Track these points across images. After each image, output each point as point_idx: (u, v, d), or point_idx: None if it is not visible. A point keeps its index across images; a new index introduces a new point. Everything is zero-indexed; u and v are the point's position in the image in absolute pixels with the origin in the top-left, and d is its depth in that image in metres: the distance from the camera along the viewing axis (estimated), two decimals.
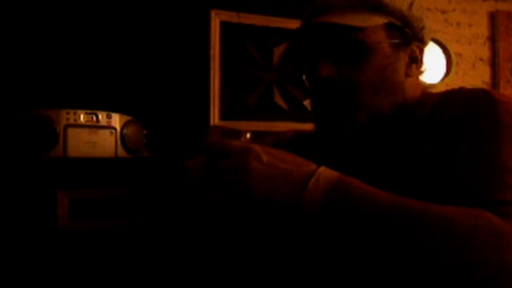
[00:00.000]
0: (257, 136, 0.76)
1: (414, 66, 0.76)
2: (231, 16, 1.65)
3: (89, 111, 1.17)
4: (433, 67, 2.16)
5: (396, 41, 0.72)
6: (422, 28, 0.76)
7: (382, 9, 0.71)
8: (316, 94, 0.75)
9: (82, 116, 1.15)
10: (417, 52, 0.76)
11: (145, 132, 1.30)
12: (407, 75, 0.75)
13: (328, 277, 0.73)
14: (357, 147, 0.75)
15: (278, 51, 1.71)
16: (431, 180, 0.63)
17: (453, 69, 2.16)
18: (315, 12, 0.74)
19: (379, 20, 0.71)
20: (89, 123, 1.16)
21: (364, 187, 0.59)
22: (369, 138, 0.73)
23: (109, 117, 1.19)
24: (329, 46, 0.71)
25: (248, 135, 0.67)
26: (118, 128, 1.20)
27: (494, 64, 2.24)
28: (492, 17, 2.25)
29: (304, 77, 0.80)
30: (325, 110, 0.73)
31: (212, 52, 1.62)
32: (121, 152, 1.20)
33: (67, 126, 1.13)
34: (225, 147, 0.60)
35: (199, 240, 1.14)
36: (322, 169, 0.59)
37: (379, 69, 0.71)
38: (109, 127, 1.19)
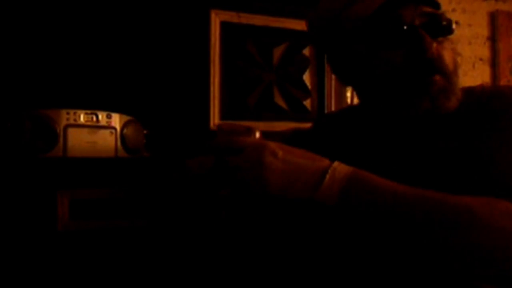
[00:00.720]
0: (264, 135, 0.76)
1: None
2: (231, 16, 1.65)
3: (89, 111, 1.17)
4: None
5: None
6: None
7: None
8: (416, 71, 0.68)
9: (82, 116, 1.15)
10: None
11: (145, 132, 1.30)
12: None
13: (344, 270, 0.73)
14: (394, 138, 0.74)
15: (278, 51, 1.71)
16: (455, 172, 0.64)
17: None
18: None
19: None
20: (89, 123, 1.16)
21: (379, 180, 0.59)
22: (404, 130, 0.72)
23: (109, 117, 1.19)
24: (428, 22, 0.68)
25: (257, 134, 0.68)
26: (118, 128, 1.20)
27: (494, 64, 2.24)
28: (492, 17, 2.25)
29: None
30: (422, 90, 0.68)
31: (212, 52, 1.62)
32: (121, 152, 1.20)
33: (67, 126, 1.13)
34: (238, 143, 0.61)
35: (201, 239, 1.14)
36: (336, 163, 0.60)
37: (452, 51, 0.71)
38: (109, 127, 1.19)
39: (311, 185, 0.58)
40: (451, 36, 0.72)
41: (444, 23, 0.69)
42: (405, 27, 0.67)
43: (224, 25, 1.64)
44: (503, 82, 2.22)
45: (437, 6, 0.71)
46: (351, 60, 0.75)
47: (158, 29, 1.54)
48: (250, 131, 0.67)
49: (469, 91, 0.73)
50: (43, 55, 1.40)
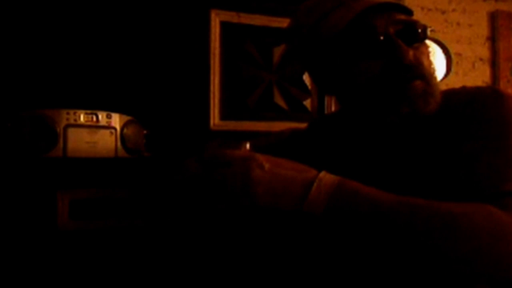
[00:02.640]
0: (256, 138, 0.76)
1: None
2: (231, 16, 1.65)
3: (89, 111, 1.17)
4: None
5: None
6: None
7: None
8: (393, 79, 0.69)
9: (82, 116, 1.15)
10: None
11: (145, 132, 1.30)
12: None
13: (333, 279, 0.74)
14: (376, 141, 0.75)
15: (278, 51, 1.71)
16: (436, 176, 0.64)
17: (453, 69, 2.16)
18: (346, 2, 0.71)
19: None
20: (89, 123, 1.16)
21: (365, 189, 0.60)
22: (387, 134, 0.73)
23: (109, 117, 1.19)
24: (402, 30, 0.69)
25: (247, 146, 0.68)
26: (118, 128, 1.20)
27: (494, 64, 2.24)
28: (492, 17, 2.25)
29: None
30: (401, 96, 0.69)
31: (212, 52, 1.62)
32: (121, 152, 1.20)
33: (67, 126, 1.13)
34: (225, 156, 0.61)
35: (197, 240, 1.14)
36: (322, 173, 0.60)
37: (429, 55, 0.72)
38: (109, 127, 1.19)
39: (298, 196, 0.59)
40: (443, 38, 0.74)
41: (419, 29, 0.70)
42: (380, 37, 0.68)
43: (224, 25, 1.64)
44: (503, 82, 2.22)
45: (410, 13, 0.72)
46: (330, 70, 0.76)
47: (158, 29, 1.54)
48: (238, 144, 0.67)
49: (450, 93, 0.73)
50: (43, 55, 1.40)
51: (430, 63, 0.72)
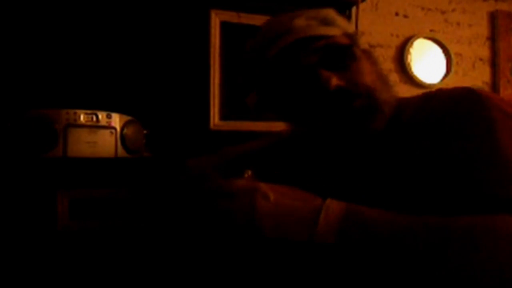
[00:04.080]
0: (256, 139, 0.75)
1: None
2: (231, 16, 1.65)
3: (89, 111, 1.17)
4: (433, 67, 2.16)
5: (360, 47, 0.74)
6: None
7: (333, 24, 0.74)
8: (326, 106, 0.70)
9: (82, 116, 1.15)
10: (374, 56, 0.77)
11: (145, 132, 1.30)
12: None
13: None
14: (353, 151, 0.74)
15: None
16: (434, 184, 0.62)
17: (453, 69, 2.16)
18: (278, 36, 0.72)
19: (339, 31, 0.73)
20: (89, 123, 1.16)
21: (374, 212, 0.58)
22: (366, 142, 0.72)
23: (109, 117, 1.19)
24: (323, 56, 0.70)
25: (249, 172, 0.66)
26: (118, 128, 1.20)
27: (494, 64, 2.24)
28: (492, 17, 2.25)
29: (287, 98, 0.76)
30: (343, 118, 0.69)
31: (212, 52, 1.62)
32: (121, 152, 1.20)
33: (67, 126, 1.13)
34: (228, 187, 0.60)
35: (198, 240, 1.13)
36: (328, 201, 0.59)
37: (370, 70, 0.71)
38: (109, 127, 1.19)
39: (306, 227, 0.57)
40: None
41: (342, 52, 0.70)
42: (303, 70, 0.69)
43: (224, 25, 1.64)
44: (503, 82, 2.23)
45: (330, 37, 0.71)
46: (274, 97, 0.77)
47: (158, 29, 1.53)
48: (241, 172, 0.66)
49: (426, 97, 0.71)
50: (43, 55, 1.40)
51: (373, 75, 0.71)
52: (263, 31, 0.78)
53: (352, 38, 0.76)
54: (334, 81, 0.67)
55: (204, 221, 0.61)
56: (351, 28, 0.78)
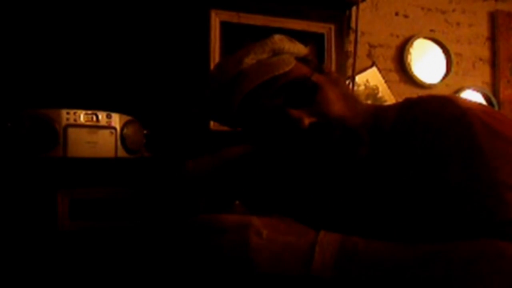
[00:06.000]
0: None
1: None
2: (231, 16, 1.65)
3: (89, 111, 1.17)
4: (433, 67, 2.16)
5: (317, 70, 0.72)
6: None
7: (283, 51, 0.73)
8: (303, 144, 0.69)
9: (82, 116, 1.15)
10: (335, 75, 0.76)
11: (145, 132, 1.30)
12: None
13: None
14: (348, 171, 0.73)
15: None
16: (422, 203, 0.62)
17: (453, 69, 2.16)
18: (231, 84, 0.71)
19: (292, 60, 0.72)
20: (89, 123, 1.16)
21: (369, 243, 0.58)
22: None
23: (109, 117, 1.19)
24: (287, 96, 0.68)
25: (237, 203, 0.66)
26: (118, 128, 1.20)
27: (494, 64, 2.24)
28: (492, 17, 2.25)
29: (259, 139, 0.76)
30: (324, 151, 0.68)
31: (212, 52, 1.62)
32: (121, 152, 1.20)
33: (67, 126, 1.13)
34: (219, 222, 0.59)
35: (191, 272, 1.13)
36: (322, 234, 0.58)
37: (336, 95, 0.70)
38: (109, 127, 1.19)
39: (301, 263, 0.57)
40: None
41: (303, 88, 0.68)
42: (269, 114, 0.68)
43: (224, 25, 1.64)
44: (503, 82, 2.22)
45: (287, 74, 0.69)
46: (248, 138, 0.77)
47: (158, 29, 1.53)
48: (231, 205, 0.64)
49: (408, 105, 0.70)
50: (43, 55, 1.40)
51: (339, 101, 0.69)
52: (216, 80, 0.75)
53: (307, 61, 0.74)
54: (306, 119, 0.66)
55: (196, 256, 0.60)
56: (302, 50, 0.76)
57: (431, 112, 0.65)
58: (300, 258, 0.57)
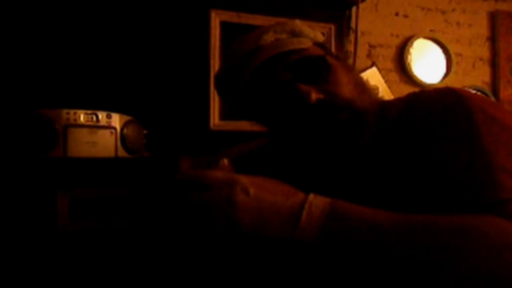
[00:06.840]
0: (232, 148, 0.74)
1: None
2: (231, 16, 1.65)
3: (89, 111, 1.17)
4: (433, 67, 2.16)
5: (332, 55, 0.74)
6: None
7: (302, 35, 0.74)
8: (310, 119, 0.68)
9: (82, 116, 1.15)
10: (349, 63, 0.77)
11: (145, 132, 1.30)
12: None
13: None
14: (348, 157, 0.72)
15: None
16: (421, 187, 0.62)
17: (453, 69, 2.16)
18: (248, 56, 0.72)
19: (309, 41, 0.72)
20: (89, 123, 1.16)
21: (360, 209, 0.56)
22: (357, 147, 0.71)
23: (109, 117, 1.19)
24: (298, 71, 0.69)
25: (226, 161, 0.61)
26: (118, 128, 1.20)
27: (494, 64, 2.24)
28: (492, 17, 2.25)
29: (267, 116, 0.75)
30: (329, 131, 0.68)
31: (212, 52, 1.62)
32: (121, 152, 1.20)
33: (67, 126, 1.13)
34: (205, 178, 0.55)
35: (192, 241, 1.13)
36: (311, 196, 0.57)
37: (347, 79, 0.70)
38: (109, 127, 1.19)
39: (288, 224, 0.54)
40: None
41: (315, 63, 0.69)
42: (280, 87, 0.68)
43: (224, 25, 1.64)
44: (503, 82, 2.22)
45: (301, 50, 0.70)
46: (256, 115, 0.76)
47: (158, 29, 1.54)
48: (215, 161, 0.60)
49: (411, 99, 0.71)
50: (43, 55, 1.40)
51: (350, 84, 0.69)
52: (233, 53, 0.76)
53: (324, 47, 0.75)
54: (314, 95, 0.66)
55: (177, 214, 0.56)
56: (320, 37, 0.77)
57: (432, 100, 0.66)
58: (286, 220, 0.55)
